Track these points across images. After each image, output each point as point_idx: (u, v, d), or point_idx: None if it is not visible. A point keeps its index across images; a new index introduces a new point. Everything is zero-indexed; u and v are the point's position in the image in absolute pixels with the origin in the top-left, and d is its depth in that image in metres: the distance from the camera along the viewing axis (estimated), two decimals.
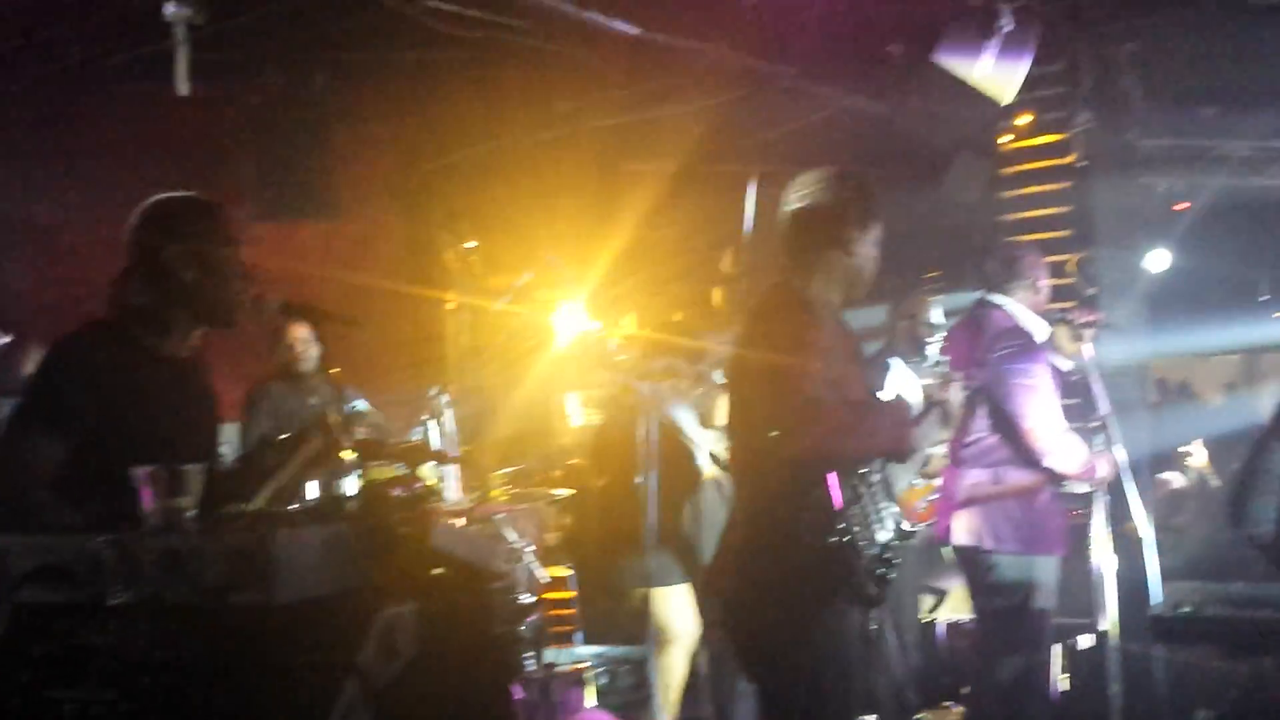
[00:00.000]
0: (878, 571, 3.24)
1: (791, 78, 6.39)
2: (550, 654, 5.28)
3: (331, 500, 2.68)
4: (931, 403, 3.68)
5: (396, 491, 2.53)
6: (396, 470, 3.19)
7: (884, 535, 3.28)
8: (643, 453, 5.07)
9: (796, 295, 3.34)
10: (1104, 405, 4.82)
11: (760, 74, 6.48)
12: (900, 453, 3.45)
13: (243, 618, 2.11)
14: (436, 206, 8.25)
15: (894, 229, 3.56)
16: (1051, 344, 4.84)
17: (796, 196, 3.50)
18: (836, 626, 3.25)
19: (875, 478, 3.34)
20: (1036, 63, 5.86)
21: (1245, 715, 4.57)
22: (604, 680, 5.61)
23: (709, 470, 5.28)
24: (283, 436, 3.17)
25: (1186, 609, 3.73)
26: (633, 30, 5.91)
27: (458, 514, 4.73)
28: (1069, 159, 7.56)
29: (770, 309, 3.38)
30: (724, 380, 3.59)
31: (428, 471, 4.24)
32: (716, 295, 9.25)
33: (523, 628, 4.65)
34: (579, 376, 7.58)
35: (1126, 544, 5.01)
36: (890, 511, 3.35)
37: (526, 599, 4.76)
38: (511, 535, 4.89)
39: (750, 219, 7.97)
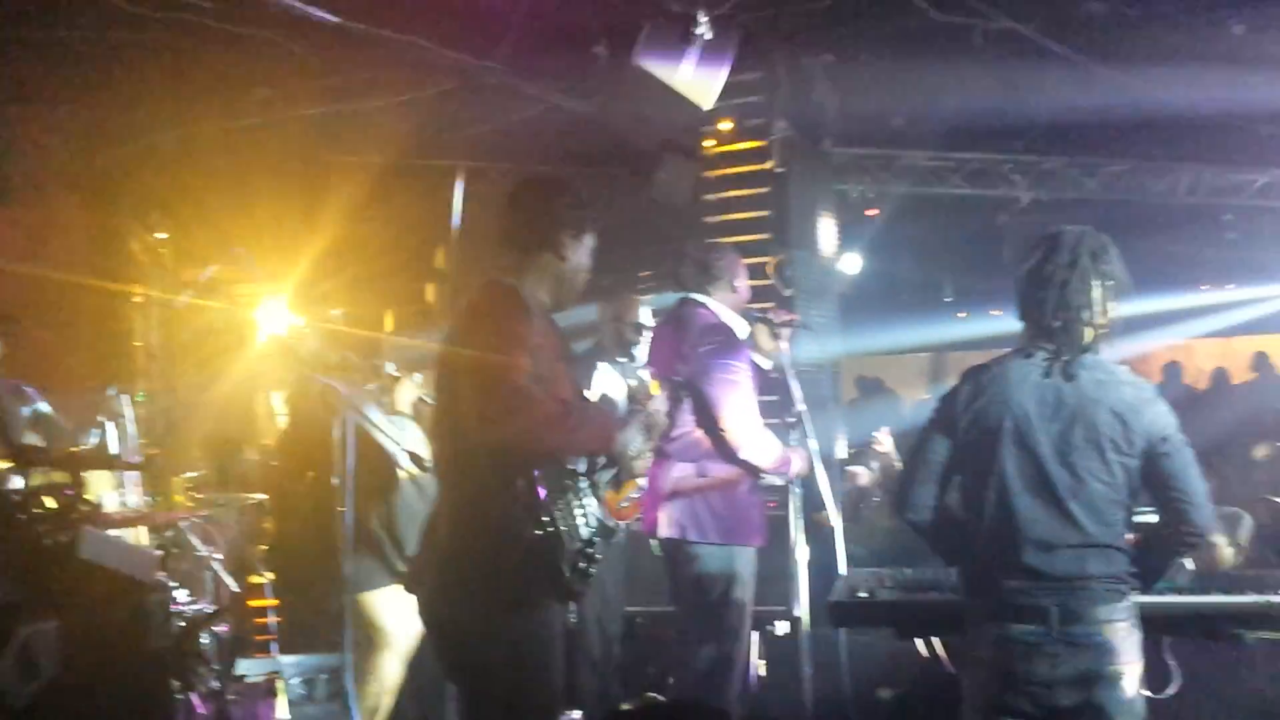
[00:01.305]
0: (580, 566, 3.27)
1: (498, 73, 6.34)
2: (243, 665, 5.04)
3: None
4: (636, 410, 3.71)
5: (49, 501, 2.33)
6: (54, 478, 2.95)
7: (587, 530, 3.30)
8: (339, 453, 4.92)
9: (508, 291, 3.33)
10: (799, 402, 5.00)
11: (466, 69, 6.39)
12: (604, 452, 3.47)
13: None
14: (123, 194, 7.77)
15: (604, 228, 3.59)
16: (751, 342, 4.98)
17: (514, 196, 3.51)
18: (538, 621, 3.25)
19: (580, 474, 3.36)
20: (735, 70, 6.00)
21: (922, 692, 4.86)
22: (301, 690, 5.41)
23: (407, 469, 5.17)
24: None
25: (862, 594, 3.90)
26: (332, 19, 5.70)
27: (132, 522, 4.43)
28: (767, 165, 7.81)
29: (481, 304, 3.36)
30: (434, 375, 3.51)
31: (100, 478, 3.98)
32: (429, 291, 9.13)
33: (204, 639, 4.41)
34: (282, 375, 7.29)
35: (819, 534, 5.22)
36: (593, 507, 3.36)
37: (207, 609, 4.52)
38: (196, 543, 4.64)
39: (459, 215, 7.88)
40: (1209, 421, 9.64)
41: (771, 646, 5.80)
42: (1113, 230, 3.37)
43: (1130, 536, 3.27)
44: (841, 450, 8.57)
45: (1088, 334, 3.26)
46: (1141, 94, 8.47)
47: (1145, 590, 3.32)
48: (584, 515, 3.31)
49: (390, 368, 5.15)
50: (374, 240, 8.90)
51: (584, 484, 3.36)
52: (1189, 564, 3.97)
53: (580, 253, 3.48)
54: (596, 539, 3.34)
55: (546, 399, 3.20)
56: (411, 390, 5.18)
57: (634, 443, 3.58)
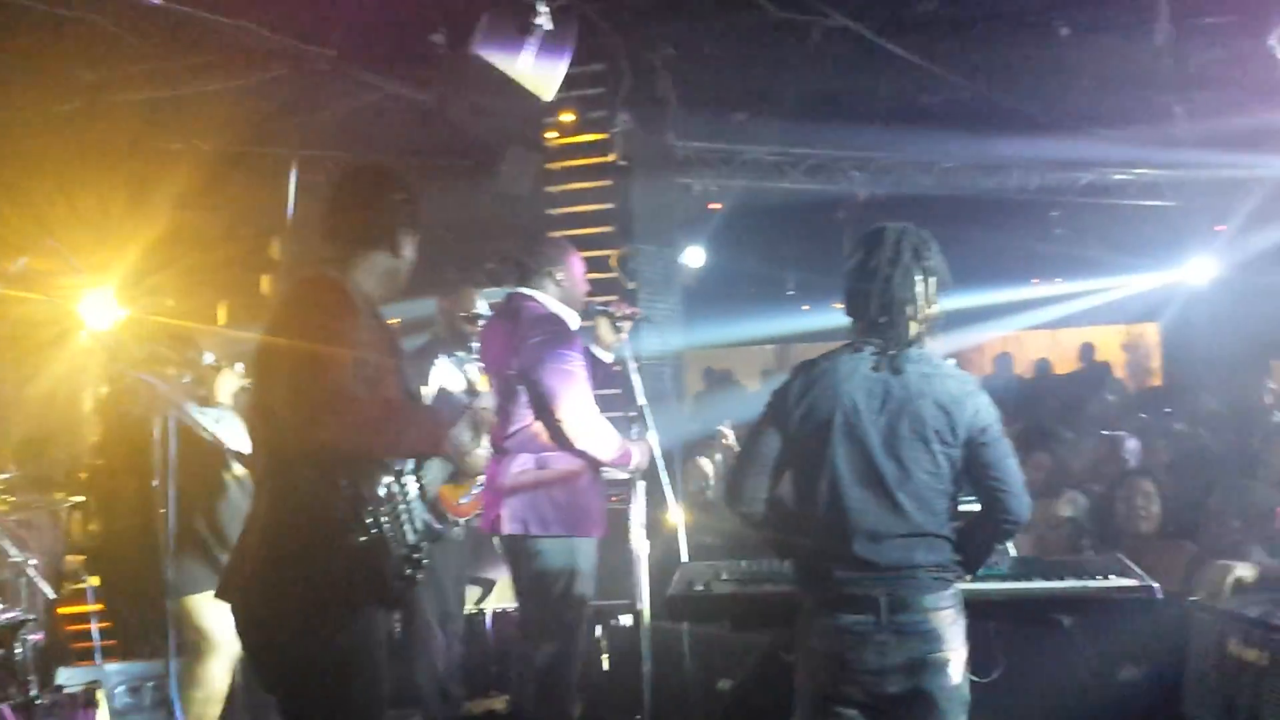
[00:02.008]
0: (405, 572, 3.17)
1: (331, 60, 6.18)
2: (63, 674, 4.82)
3: None
4: (463, 409, 3.65)
5: None
6: None
7: (413, 535, 3.21)
8: (159, 453, 4.72)
9: (333, 286, 3.20)
10: (641, 395, 5.00)
11: (300, 54, 6.22)
12: (433, 452, 3.38)
13: None
14: None
15: (445, 220, 3.52)
16: (592, 335, 4.96)
17: (341, 186, 3.40)
18: (361, 630, 3.13)
19: (407, 476, 3.27)
20: (577, 62, 5.97)
21: (759, 681, 4.91)
22: (128, 699, 5.20)
23: (233, 468, 5.00)
24: None
25: (699, 588, 3.92)
26: (157, 1, 5.48)
27: None
28: (610, 157, 7.81)
29: (303, 299, 3.22)
30: (252, 371, 3.36)
31: None
32: (264, 283, 8.88)
33: (18, 649, 4.18)
34: (107, 370, 6.99)
35: (662, 526, 5.23)
36: (419, 509, 3.28)
37: (21, 617, 4.30)
38: (9, 548, 4.40)
39: (293, 204, 7.68)
40: (1035, 409, 10.02)
41: (615, 639, 5.80)
42: (948, 225, 3.44)
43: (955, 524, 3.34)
44: (686, 442, 8.63)
45: (912, 328, 3.33)
46: (974, 93, 8.74)
47: (970, 577, 3.41)
48: (410, 518, 3.21)
49: (209, 358, 4.96)
50: (206, 230, 8.62)
51: (410, 485, 3.26)
52: (1012, 550, 4.09)
53: (411, 247, 3.39)
54: (423, 543, 3.25)
55: (370, 400, 3.10)
56: (233, 381, 5.00)
57: (463, 439, 3.52)
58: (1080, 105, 9.27)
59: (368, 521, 3.06)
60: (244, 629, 3.21)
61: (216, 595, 3.25)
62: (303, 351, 3.01)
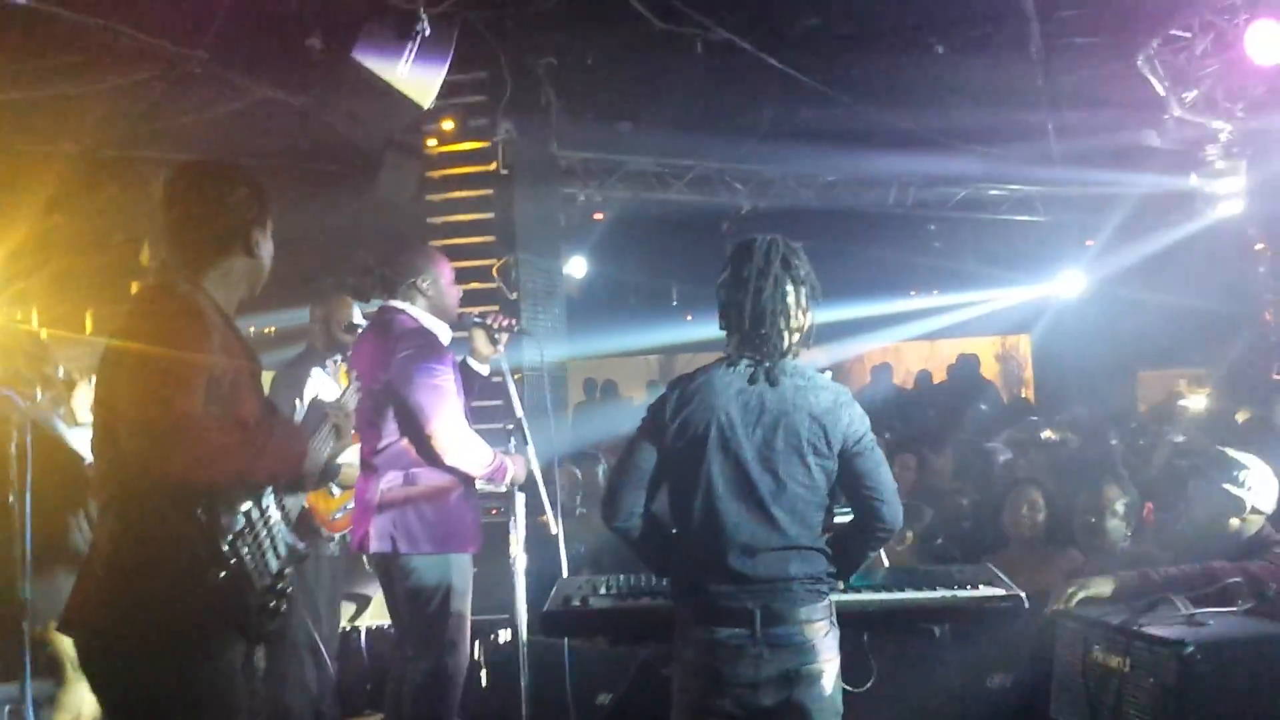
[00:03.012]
0: (269, 605, 2.98)
1: (204, 63, 6.02)
2: None
3: None
4: (324, 416, 3.52)
5: None
6: None
7: (275, 563, 3.03)
8: (16, 468, 4.51)
9: (181, 299, 2.96)
10: (519, 408, 4.94)
11: (171, 56, 6.05)
12: (294, 475, 3.19)
13: None
14: None
15: (323, 228, 3.40)
16: (470, 347, 4.88)
17: (181, 186, 3.13)
18: (219, 669, 2.92)
19: (268, 500, 3.06)
20: (458, 69, 5.92)
21: (638, 695, 4.89)
22: None
23: None
24: None
25: (575, 603, 3.88)
26: (20, 0, 5.29)
27: None
28: (492, 166, 7.75)
29: (150, 314, 2.96)
30: (95, 389, 3.11)
31: None
32: (134, 289, 8.62)
33: None
34: None
35: (540, 541, 5.18)
36: (282, 534, 3.09)
37: None
38: None
39: (159, 209, 7.45)
40: (914, 418, 10.20)
41: (494, 654, 5.74)
42: (829, 239, 3.46)
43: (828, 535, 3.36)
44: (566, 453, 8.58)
45: (785, 340, 3.34)
46: (854, 108, 8.88)
47: (844, 584, 3.43)
48: (272, 544, 3.02)
49: (60, 372, 4.75)
50: (75, 236, 8.36)
51: (271, 508, 3.06)
52: (885, 561, 4.14)
53: (267, 244, 3.17)
54: (287, 568, 3.08)
55: (223, 427, 2.89)
56: (89, 394, 4.81)
57: (325, 450, 3.39)
58: (956, 122, 9.49)
59: (227, 555, 2.85)
60: (88, 662, 2.98)
61: (58, 628, 3.04)
62: (149, 374, 2.80)
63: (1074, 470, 6.82)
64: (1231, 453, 4.48)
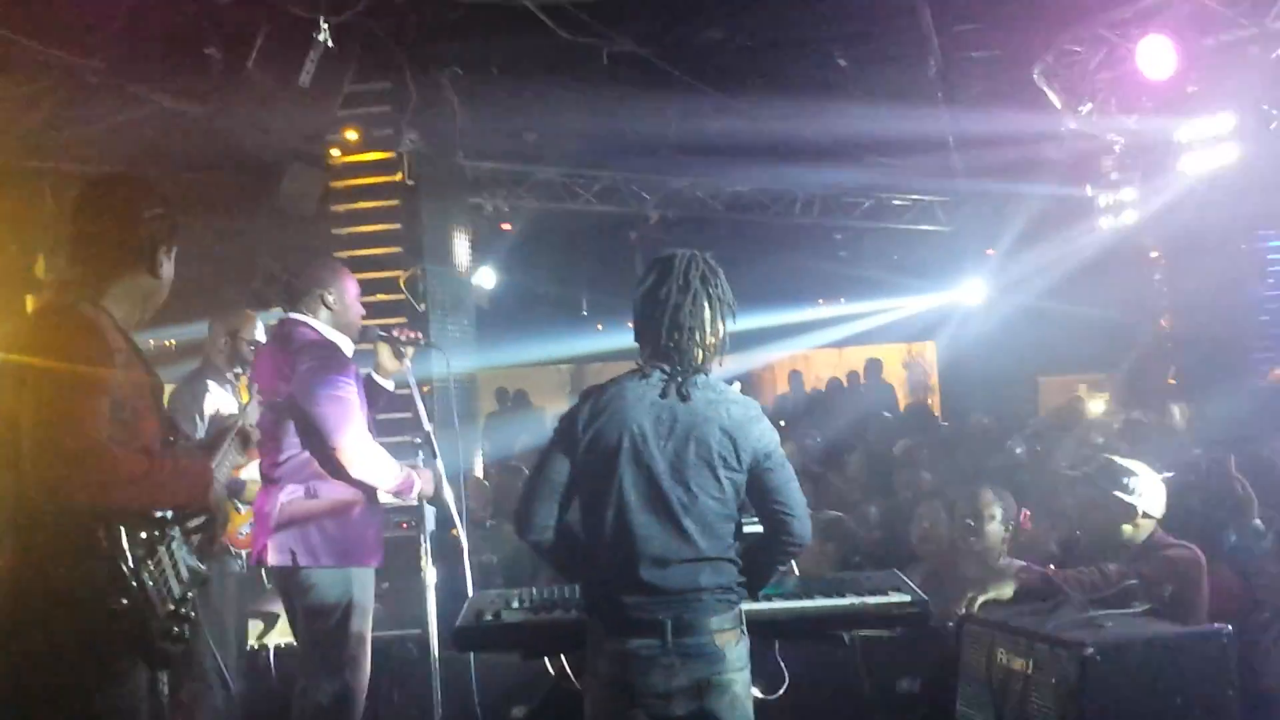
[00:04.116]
0: (174, 631, 2.91)
1: (100, 72, 5.88)
2: None
3: None
4: (226, 429, 3.46)
5: None
6: None
7: (179, 588, 2.96)
8: None
9: (83, 320, 2.89)
10: (426, 421, 4.89)
11: (66, 65, 5.90)
12: (198, 499, 3.10)
13: None
14: None
15: (223, 239, 3.32)
16: (374, 362, 4.82)
17: (87, 200, 3.08)
18: (124, 691, 2.86)
19: (172, 525, 2.99)
20: (361, 79, 5.86)
21: (552, 708, 4.87)
22: None
23: None
24: None
25: (488, 618, 3.85)
26: None
27: None
28: (397, 176, 7.68)
29: (50, 335, 2.87)
30: None
31: None
32: (29, 303, 8.40)
33: None
34: None
35: (450, 554, 5.13)
36: (185, 557, 3.02)
37: None
38: None
39: (55, 221, 7.27)
40: (827, 424, 10.31)
41: (402, 670, 5.66)
42: (737, 248, 3.48)
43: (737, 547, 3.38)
44: (477, 465, 8.54)
45: (699, 354, 3.35)
46: (760, 119, 8.97)
47: (753, 597, 3.45)
48: (174, 570, 2.95)
49: None
50: None
51: (175, 533, 2.99)
52: (795, 570, 4.17)
53: (170, 265, 3.12)
54: (190, 592, 3.02)
55: (125, 452, 2.82)
56: None
57: (230, 463, 3.33)
58: (860, 133, 9.62)
59: (128, 581, 2.79)
60: None
61: None
62: (56, 397, 2.74)
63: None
64: (1120, 460, 4.59)
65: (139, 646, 2.85)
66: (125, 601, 2.78)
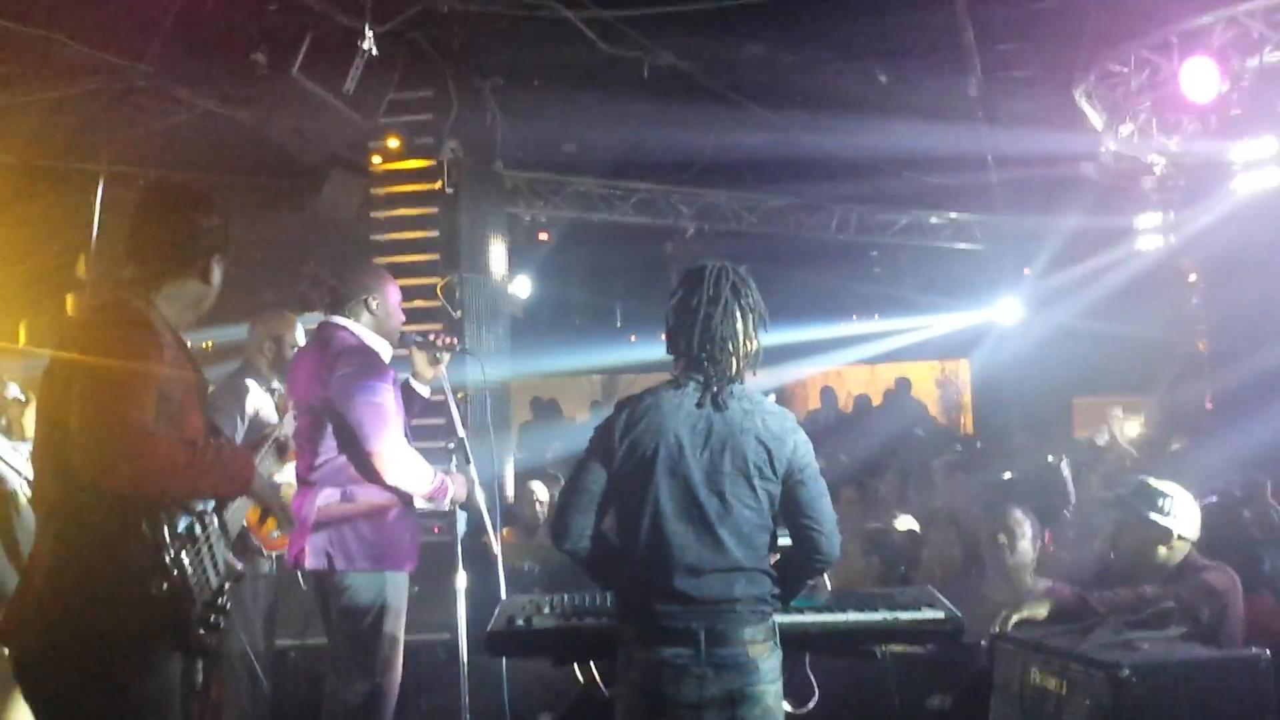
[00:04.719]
0: (210, 620, 2.99)
1: (147, 76, 5.96)
2: None
3: None
4: (264, 436, 3.51)
5: None
6: None
7: (216, 579, 3.04)
8: None
9: (135, 315, 3.01)
10: (460, 427, 4.91)
11: (114, 68, 5.98)
12: (239, 493, 3.21)
13: None
14: None
15: (264, 243, 3.38)
16: (410, 366, 4.85)
17: (148, 206, 3.20)
18: (160, 683, 2.94)
19: (211, 517, 3.10)
20: (404, 87, 5.91)
21: (580, 715, 4.88)
22: None
23: (24, 497, 4.70)
24: None
25: (520, 623, 3.86)
26: None
27: None
28: (437, 184, 7.73)
29: (104, 328, 3.00)
30: (39, 400, 3.11)
31: None
32: (69, 301, 8.51)
33: None
34: None
35: (483, 560, 5.15)
36: (222, 550, 3.11)
37: None
38: None
39: (99, 222, 7.37)
40: (859, 442, 10.27)
41: (430, 674, 5.68)
42: (772, 263, 3.49)
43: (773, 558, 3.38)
44: (508, 473, 8.56)
45: (734, 364, 3.36)
46: (798, 135, 8.97)
47: (784, 609, 3.45)
48: (213, 559, 3.04)
49: (13, 391, 4.67)
50: (10, 246, 8.21)
51: (212, 524, 3.08)
52: (829, 584, 4.17)
53: (219, 273, 3.23)
54: (226, 584, 3.10)
55: (172, 442, 2.90)
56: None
57: (268, 470, 3.38)
58: (898, 149, 9.61)
59: (169, 568, 2.87)
60: (26, 680, 2.95)
61: None
62: (100, 388, 2.83)
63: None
64: (1154, 482, 4.55)
65: (177, 634, 2.93)
66: (165, 587, 2.86)
